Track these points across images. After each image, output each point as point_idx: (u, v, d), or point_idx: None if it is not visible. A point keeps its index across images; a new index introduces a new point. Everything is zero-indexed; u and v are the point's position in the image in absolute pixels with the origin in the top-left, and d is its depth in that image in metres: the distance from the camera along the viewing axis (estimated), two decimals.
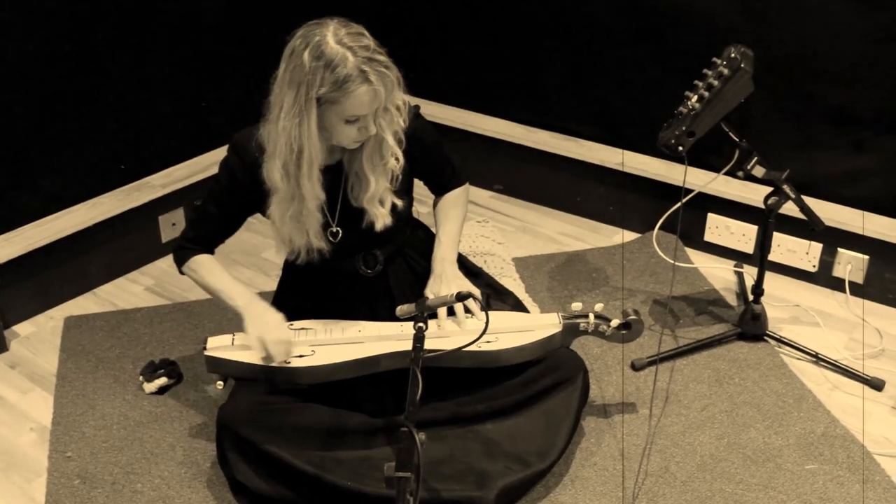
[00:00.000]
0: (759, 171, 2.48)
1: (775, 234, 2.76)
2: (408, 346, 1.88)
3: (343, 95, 1.91)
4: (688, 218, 3.09)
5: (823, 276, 3.02)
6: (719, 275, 3.10)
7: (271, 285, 2.69)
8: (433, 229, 2.40)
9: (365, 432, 2.16)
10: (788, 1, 2.79)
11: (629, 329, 2.26)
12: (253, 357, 2.13)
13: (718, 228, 3.16)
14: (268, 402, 2.16)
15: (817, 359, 2.64)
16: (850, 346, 2.75)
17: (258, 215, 2.24)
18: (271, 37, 2.08)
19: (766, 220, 2.57)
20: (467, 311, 2.19)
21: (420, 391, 1.77)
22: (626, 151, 3.30)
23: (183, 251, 2.25)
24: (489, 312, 2.01)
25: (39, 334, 2.83)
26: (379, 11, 2.31)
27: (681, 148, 2.34)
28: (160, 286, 3.07)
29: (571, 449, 2.29)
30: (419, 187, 2.32)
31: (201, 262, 2.23)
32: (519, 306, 2.42)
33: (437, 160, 2.31)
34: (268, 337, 2.08)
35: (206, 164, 3.22)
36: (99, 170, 2.98)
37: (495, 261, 3.12)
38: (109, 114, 2.96)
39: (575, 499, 2.18)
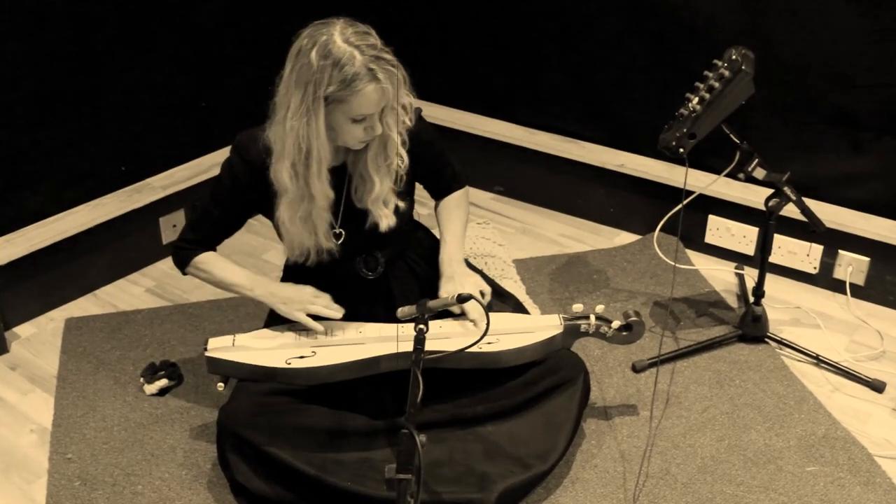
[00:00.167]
0: (759, 173, 2.48)
1: (776, 235, 2.76)
2: (408, 347, 1.89)
3: (351, 94, 1.91)
4: (688, 220, 3.09)
5: (824, 278, 3.02)
6: (720, 276, 3.10)
7: None
8: (433, 231, 2.40)
9: (365, 434, 2.16)
10: (789, 3, 2.80)
11: (630, 330, 2.26)
12: (253, 358, 2.13)
13: (719, 230, 3.16)
14: (268, 403, 2.16)
15: (818, 361, 2.64)
16: (851, 348, 2.74)
17: (259, 216, 2.24)
18: (272, 37, 2.08)
19: (767, 222, 2.56)
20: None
21: (420, 393, 1.77)
22: (626, 153, 3.30)
23: (184, 252, 2.24)
24: (490, 314, 2.01)
25: (40, 336, 2.83)
26: (379, 12, 2.31)
27: (682, 150, 2.34)
28: (161, 288, 3.07)
29: (572, 451, 2.29)
30: (418, 189, 2.32)
31: (207, 260, 2.23)
32: (520, 308, 2.42)
33: (438, 162, 2.30)
34: (304, 300, 2.15)
35: (207, 165, 3.22)
36: (100, 171, 2.98)
37: (496, 262, 3.12)
38: (110, 115, 2.96)
39: (575, 501, 2.18)
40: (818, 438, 2.36)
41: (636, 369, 2.60)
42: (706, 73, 2.33)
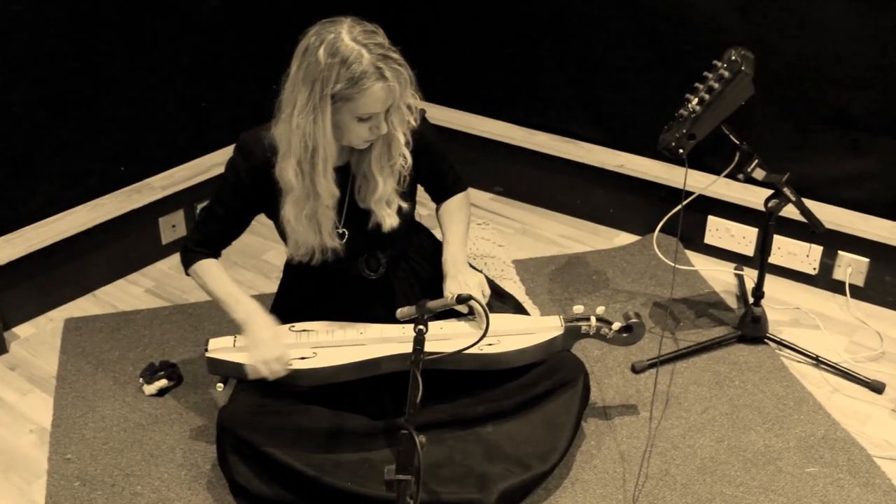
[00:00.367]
0: (759, 174, 2.48)
1: (776, 236, 2.76)
2: (409, 348, 1.88)
3: (358, 92, 1.91)
4: (688, 220, 3.09)
5: (824, 279, 3.02)
6: (720, 277, 3.10)
7: (272, 287, 2.70)
8: (434, 232, 2.40)
9: (365, 434, 2.16)
10: (789, 3, 2.80)
11: (631, 332, 2.26)
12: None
13: (719, 231, 3.16)
14: (268, 404, 2.16)
15: (818, 361, 2.64)
16: (851, 349, 2.75)
17: (259, 217, 2.24)
18: (272, 37, 2.08)
19: (767, 223, 2.56)
20: (470, 312, 2.19)
21: (420, 393, 1.77)
22: (626, 154, 3.30)
23: (190, 254, 2.24)
24: (491, 315, 2.01)
25: (39, 336, 2.82)
26: (379, 13, 2.31)
27: (681, 150, 2.34)
28: (160, 288, 3.07)
29: (572, 451, 2.29)
30: (418, 190, 2.31)
31: (206, 269, 2.22)
32: (519, 309, 2.42)
33: (441, 164, 2.30)
34: (262, 359, 2.07)
35: (207, 165, 3.22)
36: (99, 171, 2.98)
37: (495, 263, 3.12)
38: (110, 115, 2.96)
39: (575, 501, 2.18)
40: (818, 439, 2.36)
41: (636, 370, 2.60)
42: (706, 73, 2.33)
